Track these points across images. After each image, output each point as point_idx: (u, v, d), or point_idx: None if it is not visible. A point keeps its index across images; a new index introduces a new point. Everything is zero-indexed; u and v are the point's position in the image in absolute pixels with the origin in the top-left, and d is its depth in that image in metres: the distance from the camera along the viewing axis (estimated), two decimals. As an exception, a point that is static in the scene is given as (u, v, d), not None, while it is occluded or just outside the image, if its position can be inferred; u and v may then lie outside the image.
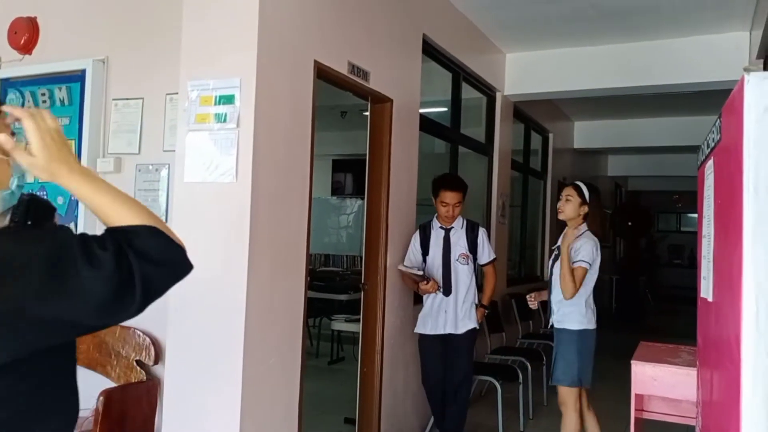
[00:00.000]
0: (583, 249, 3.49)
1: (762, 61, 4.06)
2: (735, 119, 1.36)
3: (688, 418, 3.64)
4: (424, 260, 4.03)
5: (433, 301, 3.97)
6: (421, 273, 3.87)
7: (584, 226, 3.58)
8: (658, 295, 14.18)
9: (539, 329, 6.68)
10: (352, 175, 10.34)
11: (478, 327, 4.01)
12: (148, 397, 3.18)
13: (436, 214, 4.09)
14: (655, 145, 9.38)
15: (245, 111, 2.85)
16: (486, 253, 4.07)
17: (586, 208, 3.58)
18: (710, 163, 1.76)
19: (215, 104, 2.92)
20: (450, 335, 3.94)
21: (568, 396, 3.53)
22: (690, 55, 5.46)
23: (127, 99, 3.50)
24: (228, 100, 2.89)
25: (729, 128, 1.46)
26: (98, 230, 1.08)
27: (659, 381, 3.39)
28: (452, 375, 3.98)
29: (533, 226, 7.97)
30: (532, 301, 3.83)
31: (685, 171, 11.60)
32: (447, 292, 3.94)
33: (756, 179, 1.22)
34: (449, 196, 3.94)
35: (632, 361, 3.46)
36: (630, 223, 12.54)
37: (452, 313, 3.93)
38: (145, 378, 3.21)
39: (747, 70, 1.26)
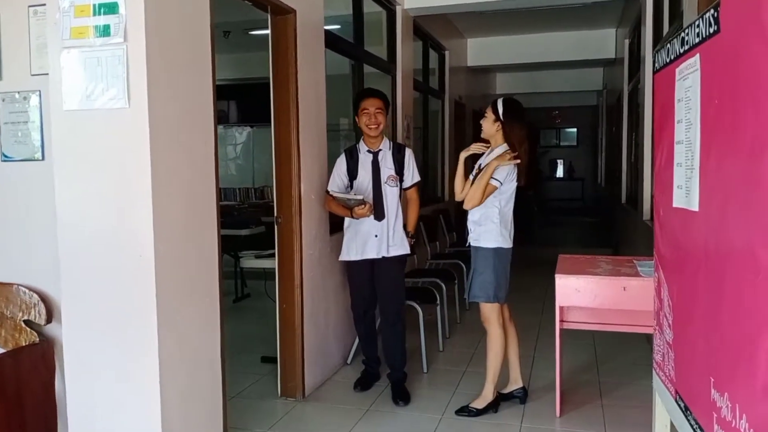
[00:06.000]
0: (498, 168, 3.39)
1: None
2: (750, 4, 1.21)
3: (607, 324, 3.77)
4: (351, 185, 3.78)
5: (358, 226, 3.75)
6: (360, 197, 3.61)
7: (504, 146, 3.47)
8: (542, 207, 14.87)
9: (445, 249, 6.72)
10: (237, 103, 9.72)
11: (409, 252, 3.85)
12: (44, 360, 2.79)
13: (362, 137, 3.83)
14: (541, 60, 9.48)
15: (133, 21, 2.40)
16: (411, 174, 3.85)
17: (500, 125, 3.46)
18: (692, 60, 1.63)
19: (94, 14, 2.44)
20: (380, 259, 3.76)
21: (490, 312, 3.52)
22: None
23: (-24, 14, 2.89)
24: (110, 8, 2.42)
25: (738, 17, 1.30)
26: None
27: (582, 292, 3.44)
28: (384, 301, 3.83)
29: (433, 147, 7.90)
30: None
31: (565, 87, 12.00)
32: (379, 216, 3.73)
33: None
34: (368, 102, 3.72)
35: (556, 275, 3.49)
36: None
37: (384, 238, 3.74)
38: (37, 340, 2.81)
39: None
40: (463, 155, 3.59)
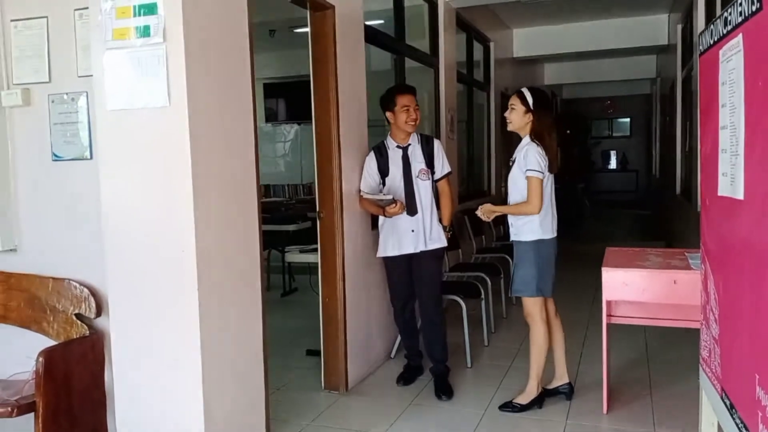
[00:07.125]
0: (529, 158, 3.32)
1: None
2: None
3: (657, 319, 3.65)
4: (383, 182, 3.77)
5: (394, 222, 3.74)
6: (390, 197, 3.62)
7: (528, 138, 3.41)
8: (593, 200, 14.53)
9: (491, 243, 6.64)
10: (285, 100, 9.84)
11: (446, 245, 3.83)
12: (93, 352, 2.88)
13: (389, 133, 3.81)
14: (591, 49, 9.22)
15: (172, 22, 2.45)
16: (441, 165, 3.80)
17: (531, 116, 3.38)
18: (735, 41, 1.55)
19: (135, 16, 2.51)
20: (417, 254, 3.75)
21: (532, 307, 3.46)
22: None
23: (28, 19, 3.00)
24: (149, 9, 2.48)
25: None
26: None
27: (630, 285, 3.34)
28: (422, 295, 3.82)
29: (479, 141, 7.81)
30: (483, 216, 3.61)
31: (618, 75, 11.64)
32: (412, 211, 3.71)
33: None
34: (408, 99, 3.69)
35: (603, 268, 3.39)
36: (568, 132, 12.61)
37: (421, 232, 3.73)
38: (87, 332, 2.91)
39: None
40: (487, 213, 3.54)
